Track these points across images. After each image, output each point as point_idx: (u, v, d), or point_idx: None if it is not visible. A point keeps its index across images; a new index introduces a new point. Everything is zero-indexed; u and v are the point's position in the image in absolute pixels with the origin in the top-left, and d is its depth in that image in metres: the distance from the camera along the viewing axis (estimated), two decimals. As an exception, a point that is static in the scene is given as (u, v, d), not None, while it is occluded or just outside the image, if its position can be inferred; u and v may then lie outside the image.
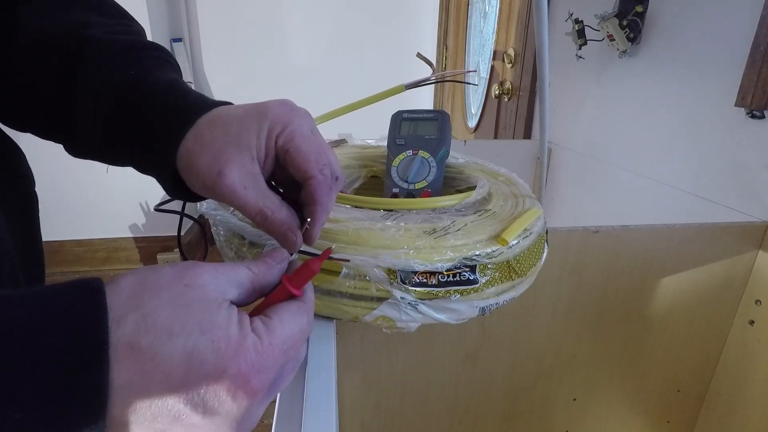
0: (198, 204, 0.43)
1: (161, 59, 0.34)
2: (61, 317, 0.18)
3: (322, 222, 0.32)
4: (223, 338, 0.21)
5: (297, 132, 0.30)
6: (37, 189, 0.39)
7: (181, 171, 0.30)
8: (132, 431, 0.20)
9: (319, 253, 0.30)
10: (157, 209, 0.40)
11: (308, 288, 0.28)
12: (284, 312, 0.25)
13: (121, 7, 0.37)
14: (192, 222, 0.41)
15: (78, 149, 0.34)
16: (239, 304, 0.25)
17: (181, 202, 0.42)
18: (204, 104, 0.31)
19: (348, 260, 0.35)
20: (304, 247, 0.32)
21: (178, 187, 0.32)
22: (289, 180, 0.32)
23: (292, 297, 0.27)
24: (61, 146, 0.36)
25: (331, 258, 0.32)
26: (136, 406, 0.19)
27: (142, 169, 0.33)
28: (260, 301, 0.27)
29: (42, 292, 0.19)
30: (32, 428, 0.17)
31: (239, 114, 0.30)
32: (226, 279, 0.24)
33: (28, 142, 0.38)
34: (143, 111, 0.31)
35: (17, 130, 0.36)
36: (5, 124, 0.35)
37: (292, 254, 0.31)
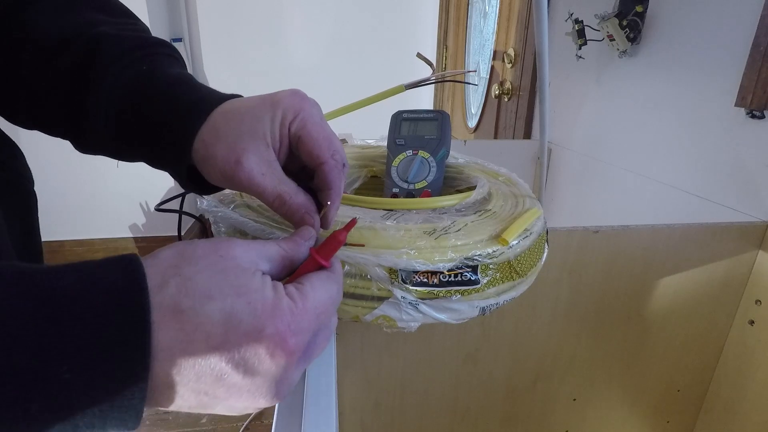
0: (198, 202, 0.43)
1: (170, 55, 0.35)
2: (106, 284, 0.19)
3: (337, 205, 0.33)
4: (259, 300, 0.22)
5: (309, 119, 0.31)
6: (36, 189, 0.39)
7: (197, 163, 0.31)
8: (178, 392, 0.21)
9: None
10: (158, 209, 0.41)
11: (336, 260, 0.29)
12: (315, 279, 0.26)
13: (125, 6, 0.37)
14: (192, 222, 0.41)
15: (88, 146, 0.34)
16: (271, 276, 0.25)
17: (179, 202, 0.42)
18: (217, 97, 0.32)
19: (363, 245, 0.36)
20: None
21: (192, 180, 0.33)
22: (298, 169, 0.33)
23: (320, 268, 0.27)
24: (61, 146, 0.36)
25: (346, 244, 0.33)
26: (181, 366, 0.20)
27: (156, 163, 0.34)
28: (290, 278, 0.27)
29: (86, 265, 0.20)
30: (79, 387, 0.18)
31: (252, 104, 0.31)
32: (257, 252, 0.25)
33: (28, 142, 0.38)
34: (156, 105, 0.31)
35: (24, 128, 0.36)
36: (11, 122, 0.35)
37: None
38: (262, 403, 0.22)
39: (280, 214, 0.32)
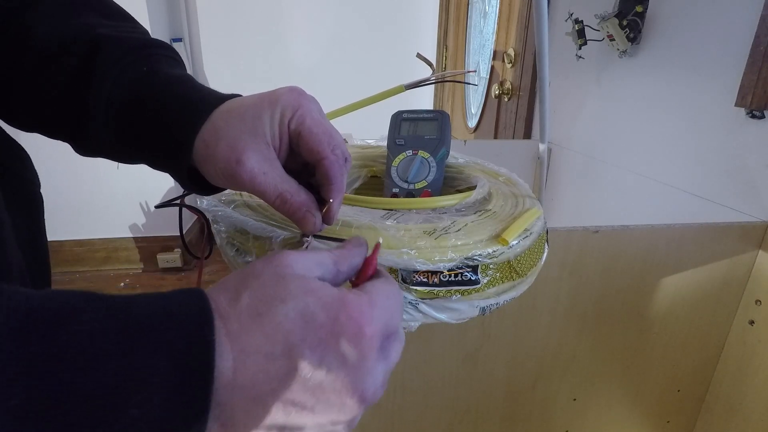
0: (198, 201, 0.43)
1: (170, 57, 0.35)
2: (179, 322, 0.19)
3: (339, 201, 0.33)
4: (327, 295, 0.22)
5: (307, 115, 0.31)
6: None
7: (198, 163, 0.31)
8: (265, 404, 0.20)
9: (343, 238, 0.32)
10: (158, 207, 0.41)
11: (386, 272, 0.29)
12: (374, 281, 0.26)
13: (125, 10, 0.37)
14: (191, 222, 0.41)
15: (89, 148, 0.34)
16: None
17: (180, 199, 0.42)
18: (217, 97, 0.32)
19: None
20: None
21: (193, 181, 0.33)
22: (300, 166, 0.33)
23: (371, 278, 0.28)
24: (60, 146, 0.36)
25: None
26: (268, 372, 0.20)
27: (156, 164, 0.33)
28: None
29: (153, 298, 0.20)
30: (143, 425, 0.18)
31: (251, 103, 0.31)
32: (309, 259, 0.25)
33: (27, 143, 0.38)
34: (157, 106, 0.31)
35: (24, 130, 0.36)
36: (11, 125, 0.35)
37: (310, 236, 0.32)
38: (350, 405, 0.22)
39: (282, 212, 0.32)
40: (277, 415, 0.20)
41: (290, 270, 0.23)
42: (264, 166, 0.30)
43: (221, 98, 0.32)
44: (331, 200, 0.32)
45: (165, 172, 0.34)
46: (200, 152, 0.30)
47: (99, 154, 0.35)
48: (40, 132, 0.36)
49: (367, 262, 0.28)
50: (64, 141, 0.35)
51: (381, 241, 0.29)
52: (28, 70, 0.32)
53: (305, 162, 0.33)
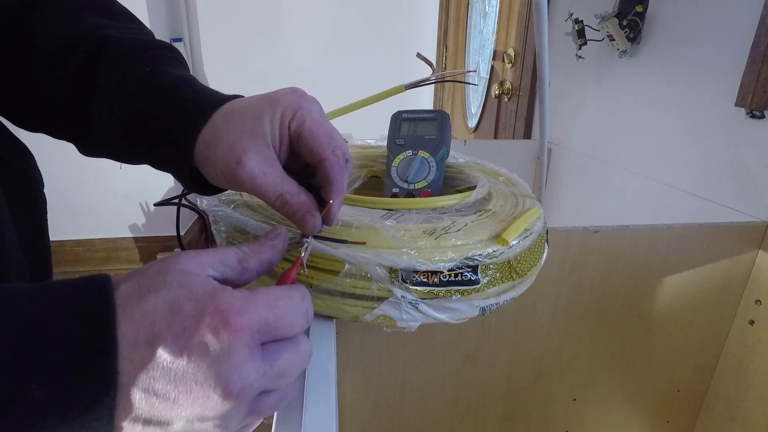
0: (198, 201, 0.43)
1: (173, 58, 0.35)
2: (74, 307, 0.20)
3: (340, 202, 0.33)
4: (199, 289, 0.22)
5: (308, 116, 0.31)
6: (37, 189, 0.39)
7: (199, 164, 0.31)
8: (132, 396, 0.20)
9: (344, 239, 0.33)
10: (157, 204, 0.41)
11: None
12: (272, 286, 0.26)
13: (129, 11, 0.38)
14: (191, 222, 0.41)
15: (92, 148, 0.35)
16: (229, 282, 0.26)
17: (179, 198, 0.42)
18: (218, 98, 0.32)
19: (364, 242, 0.36)
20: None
21: (195, 181, 0.33)
22: (300, 167, 0.33)
23: None
24: (61, 146, 0.36)
25: (347, 241, 0.35)
26: (133, 361, 0.20)
27: (158, 164, 0.34)
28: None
29: (53, 285, 0.21)
30: (49, 405, 0.19)
31: (252, 103, 0.31)
32: (208, 258, 0.25)
33: (28, 143, 0.38)
34: (159, 106, 0.31)
35: (29, 130, 0.36)
36: (17, 125, 0.36)
37: (310, 236, 0.33)
38: (213, 399, 0.21)
39: (282, 213, 0.32)
40: (141, 405, 0.20)
41: (178, 266, 0.23)
42: (264, 167, 0.30)
43: (223, 99, 0.32)
44: (331, 201, 0.32)
45: (167, 172, 0.34)
46: (201, 153, 0.30)
47: (103, 155, 0.35)
48: (46, 132, 0.36)
49: (285, 275, 0.28)
50: (69, 141, 0.35)
51: (303, 255, 0.30)
52: (34, 70, 0.32)
53: (306, 163, 0.33)
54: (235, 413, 0.22)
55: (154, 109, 0.31)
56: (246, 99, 0.32)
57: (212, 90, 0.33)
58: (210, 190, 0.35)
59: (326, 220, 0.33)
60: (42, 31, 0.32)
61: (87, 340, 0.19)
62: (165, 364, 0.20)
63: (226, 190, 0.35)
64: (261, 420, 0.25)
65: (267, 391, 0.24)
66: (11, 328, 0.19)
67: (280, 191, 0.31)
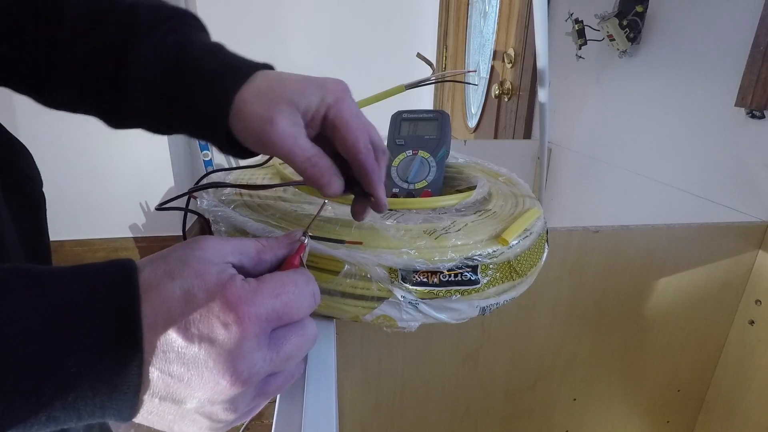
0: (198, 201, 0.43)
1: (201, 27, 0.36)
2: (106, 293, 0.21)
3: (382, 190, 0.35)
4: (212, 280, 0.23)
5: (347, 109, 0.32)
6: (37, 189, 0.39)
7: (233, 123, 0.31)
8: (149, 374, 0.22)
9: (342, 239, 0.34)
10: (158, 208, 0.41)
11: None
12: (278, 271, 0.27)
13: None
14: (191, 222, 0.41)
15: (125, 118, 0.35)
16: (244, 270, 0.26)
17: (180, 202, 0.42)
18: (254, 63, 0.33)
19: (361, 242, 0.36)
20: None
21: (230, 145, 0.33)
22: (331, 155, 0.34)
23: None
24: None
25: (344, 241, 0.35)
26: (150, 343, 0.22)
27: (195, 128, 0.34)
28: None
29: (89, 270, 0.22)
30: (83, 380, 0.20)
31: (296, 78, 0.32)
32: (228, 245, 0.26)
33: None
34: (197, 68, 0.32)
35: (58, 109, 0.36)
36: (47, 105, 0.36)
37: (332, 197, 0.34)
38: (222, 384, 0.22)
39: (308, 176, 0.32)
40: (158, 383, 0.22)
41: (198, 253, 0.24)
42: (295, 130, 0.31)
43: (258, 65, 0.33)
44: (375, 191, 0.34)
45: (202, 138, 0.34)
46: (237, 110, 0.31)
47: (134, 125, 0.35)
48: (75, 109, 0.36)
49: (288, 261, 0.29)
50: (98, 117, 0.35)
51: (306, 241, 0.30)
52: (65, 45, 0.32)
53: (336, 153, 0.34)
54: (243, 397, 0.23)
55: (192, 70, 0.32)
56: (289, 73, 0.33)
57: (245, 58, 0.34)
58: (243, 153, 0.35)
59: (377, 208, 0.35)
60: (70, 4, 0.32)
61: (117, 322, 0.21)
62: (179, 348, 0.22)
63: (258, 154, 0.35)
64: (269, 400, 0.27)
65: (274, 373, 0.25)
66: (48, 310, 0.20)
67: (309, 154, 0.31)
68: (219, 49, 0.33)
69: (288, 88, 0.31)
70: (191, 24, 0.35)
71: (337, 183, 0.33)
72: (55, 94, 0.35)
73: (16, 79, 0.35)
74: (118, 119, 0.35)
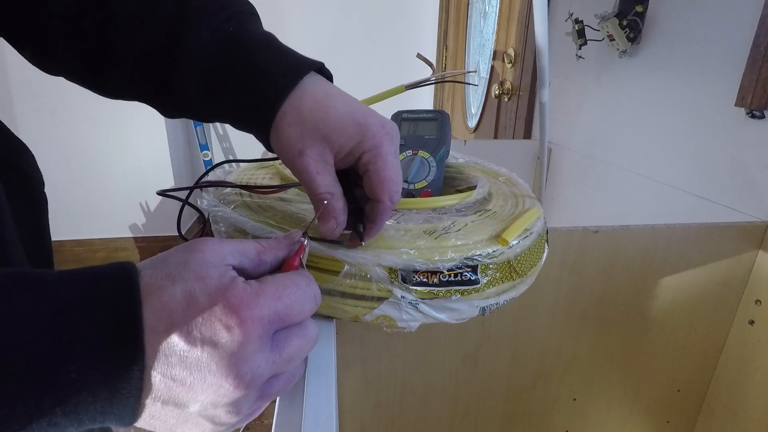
0: (198, 200, 0.43)
1: (254, 14, 0.35)
2: (105, 296, 0.21)
3: (372, 236, 0.37)
4: (213, 283, 0.23)
5: (382, 156, 0.33)
6: (37, 189, 0.39)
7: (271, 134, 0.33)
8: (151, 377, 0.21)
9: (340, 239, 0.36)
10: (160, 193, 0.41)
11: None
12: (278, 273, 0.27)
13: None
14: (192, 222, 0.41)
15: (174, 106, 0.35)
16: (244, 272, 0.26)
17: (183, 193, 0.42)
18: (305, 63, 0.33)
19: (362, 243, 0.37)
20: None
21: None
22: (347, 167, 0.34)
23: None
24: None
25: (343, 243, 0.36)
26: (152, 346, 0.21)
27: (240, 120, 0.34)
28: None
29: (89, 273, 0.22)
30: (83, 385, 0.20)
31: (342, 111, 0.32)
32: (229, 247, 0.26)
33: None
34: (250, 61, 0.32)
35: (111, 98, 0.36)
36: (101, 94, 0.36)
37: (326, 239, 0.35)
38: (225, 387, 0.22)
39: (316, 207, 0.33)
40: (160, 387, 0.22)
41: (199, 255, 0.24)
42: (320, 166, 0.32)
43: (310, 64, 0.33)
44: (367, 231, 0.36)
45: (246, 130, 0.35)
46: (276, 125, 0.32)
47: (183, 113, 0.35)
48: (127, 97, 0.36)
49: (288, 262, 0.29)
50: (150, 104, 0.36)
51: (306, 242, 0.30)
52: (116, 35, 0.32)
53: (354, 169, 0.34)
54: (246, 399, 0.24)
55: (242, 64, 0.32)
56: (339, 98, 0.33)
57: (296, 52, 0.34)
58: None
59: (358, 241, 0.36)
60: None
61: (117, 326, 0.21)
62: (181, 352, 0.22)
63: None
64: (270, 401, 0.27)
65: (276, 375, 0.25)
66: (47, 314, 0.20)
67: (327, 192, 0.33)
68: (271, 43, 0.33)
69: (329, 123, 0.32)
70: (245, 12, 0.34)
71: (338, 229, 0.34)
72: (109, 84, 0.36)
73: (72, 70, 0.35)
74: (170, 105, 0.35)
